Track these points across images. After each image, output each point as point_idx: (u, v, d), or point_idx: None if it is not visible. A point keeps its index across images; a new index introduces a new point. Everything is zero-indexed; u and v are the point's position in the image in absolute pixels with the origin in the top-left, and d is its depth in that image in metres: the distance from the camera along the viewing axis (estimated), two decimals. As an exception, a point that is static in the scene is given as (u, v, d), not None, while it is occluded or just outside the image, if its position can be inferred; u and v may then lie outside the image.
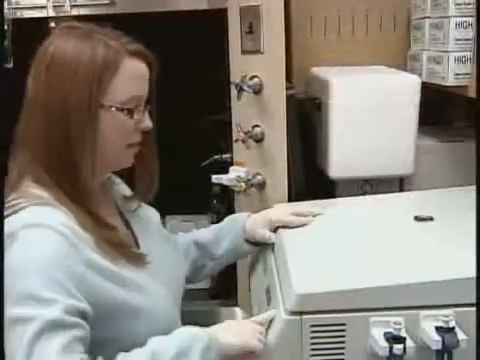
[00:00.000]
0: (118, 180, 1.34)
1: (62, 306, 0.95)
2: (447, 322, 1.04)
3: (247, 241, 1.42)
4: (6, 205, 1.04)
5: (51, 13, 1.77)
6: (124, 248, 1.12)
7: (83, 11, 1.79)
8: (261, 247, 1.44)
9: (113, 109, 1.08)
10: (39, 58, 1.10)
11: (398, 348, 1.02)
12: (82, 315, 0.98)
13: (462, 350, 1.03)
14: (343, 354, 1.09)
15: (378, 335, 1.05)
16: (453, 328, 1.04)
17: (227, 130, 1.76)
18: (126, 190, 1.34)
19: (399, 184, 1.89)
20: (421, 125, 1.80)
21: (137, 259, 1.14)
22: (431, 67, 1.76)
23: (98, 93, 1.06)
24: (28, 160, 1.09)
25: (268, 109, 1.65)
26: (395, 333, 1.03)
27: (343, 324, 1.08)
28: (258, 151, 1.68)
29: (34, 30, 1.74)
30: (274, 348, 1.10)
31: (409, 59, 1.96)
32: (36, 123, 1.08)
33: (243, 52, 1.66)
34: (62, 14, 1.77)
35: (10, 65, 1.77)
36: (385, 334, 1.04)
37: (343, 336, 1.08)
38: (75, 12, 1.79)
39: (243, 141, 1.65)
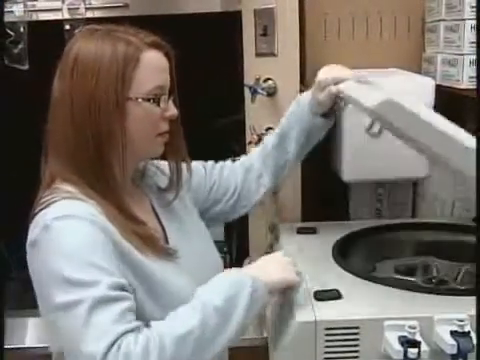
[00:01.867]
0: (152, 172, 1.33)
1: (105, 284, 1.00)
2: (462, 326, 1.03)
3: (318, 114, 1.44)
4: (40, 201, 1.10)
5: (66, 16, 1.78)
6: (152, 241, 1.15)
7: (98, 14, 1.80)
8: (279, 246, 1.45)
9: (139, 100, 1.12)
10: (63, 61, 1.14)
11: (413, 352, 1.01)
12: (125, 289, 1.03)
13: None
14: (357, 358, 1.09)
15: (392, 339, 1.05)
16: (468, 332, 1.04)
17: (241, 132, 1.76)
18: (163, 182, 1.32)
19: (413, 187, 1.88)
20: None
21: (165, 253, 1.16)
22: (445, 70, 1.75)
23: (123, 87, 1.10)
24: (57, 161, 1.14)
25: (282, 112, 1.64)
26: (410, 337, 1.03)
27: (357, 327, 1.08)
28: (272, 154, 1.68)
29: (49, 32, 1.76)
30: (288, 351, 1.10)
31: (423, 62, 1.95)
32: (64, 124, 1.12)
33: (257, 55, 1.66)
34: (77, 16, 1.78)
35: (26, 67, 1.78)
36: (399, 338, 1.04)
37: (357, 339, 1.08)
38: (90, 15, 1.79)
39: (256, 144, 1.65)
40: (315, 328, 1.08)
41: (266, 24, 1.62)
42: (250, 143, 1.66)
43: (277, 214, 1.72)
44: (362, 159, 1.76)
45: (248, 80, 1.64)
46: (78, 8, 1.78)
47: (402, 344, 1.03)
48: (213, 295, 1.04)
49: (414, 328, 1.03)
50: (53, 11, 1.79)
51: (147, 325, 1.01)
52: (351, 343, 1.08)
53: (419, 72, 1.92)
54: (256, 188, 1.43)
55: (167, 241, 1.23)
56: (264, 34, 1.64)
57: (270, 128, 1.68)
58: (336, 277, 1.24)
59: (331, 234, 1.47)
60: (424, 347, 1.03)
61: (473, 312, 1.06)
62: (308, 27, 1.94)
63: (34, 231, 1.07)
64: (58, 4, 1.78)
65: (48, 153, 1.15)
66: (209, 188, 1.41)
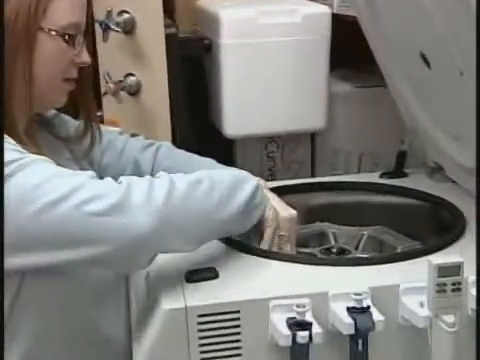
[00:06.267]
0: (57, 123, 1.39)
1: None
2: (360, 301, 1.07)
3: None
4: None
5: None
6: None
7: None
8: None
9: (53, 33, 1.20)
10: None
11: (302, 336, 1.04)
12: None
13: (378, 333, 1.07)
14: (240, 348, 1.11)
15: (279, 322, 1.07)
16: (368, 308, 1.07)
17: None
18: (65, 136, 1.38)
19: (311, 141, 1.94)
20: (334, 68, 1.85)
21: None
22: (342, -3, 1.80)
23: (36, 14, 1.18)
24: None
25: (143, 53, 1.65)
26: (299, 318, 1.06)
27: (237, 311, 1.10)
28: (133, 106, 1.69)
29: None
30: (154, 345, 1.11)
31: (318, -14, 1.99)
32: None
33: (108, -18, 1.65)
34: None
35: None
36: (287, 320, 1.07)
37: (238, 326, 1.10)
38: None
39: (114, 94, 1.65)
40: (186, 316, 1.09)
41: None
42: (105, 94, 1.66)
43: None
44: (248, 110, 1.80)
45: (98, 15, 1.63)
46: None
47: (290, 327, 1.06)
48: (221, 173, 1.23)
49: (303, 307, 1.06)
50: None
51: None
52: (230, 331, 1.10)
53: (316, 0, 1.97)
54: None
55: None
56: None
57: (130, 74, 1.68)
58: (214, 252, 1.26)
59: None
60: (316, 329, 1.06)
61: (374, 284, 1.13)
62: None
63: None
64: None
65: None
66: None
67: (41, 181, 1.06)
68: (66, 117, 1.41)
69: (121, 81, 1.67)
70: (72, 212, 1.05)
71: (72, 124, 1.39)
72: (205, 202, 1.14)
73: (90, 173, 1.12)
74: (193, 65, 1.85)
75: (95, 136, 1.37)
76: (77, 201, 1.05)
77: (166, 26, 1.67)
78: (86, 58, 1.28)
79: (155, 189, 1.09)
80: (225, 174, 1.22)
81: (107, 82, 1.65)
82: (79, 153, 1.38)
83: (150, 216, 1.06)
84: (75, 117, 1.39)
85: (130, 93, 1.69)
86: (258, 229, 1.28)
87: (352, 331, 1.06)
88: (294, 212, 1.31)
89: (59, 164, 1.26)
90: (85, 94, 1.34)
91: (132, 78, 1.68)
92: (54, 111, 1.37)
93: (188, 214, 1.12)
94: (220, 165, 1.47)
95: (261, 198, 1.24)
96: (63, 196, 1.05)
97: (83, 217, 1.05)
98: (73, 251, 1.07)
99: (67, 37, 1.22)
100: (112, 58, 1.67)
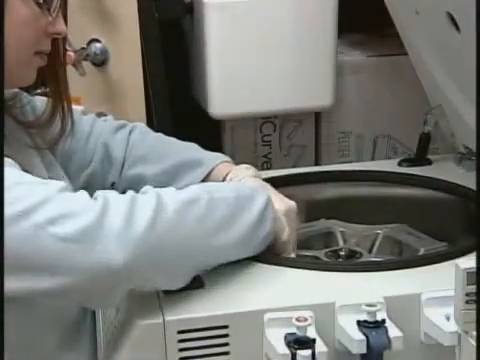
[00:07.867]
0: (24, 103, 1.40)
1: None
2: (373, 314, 1.08)
3: None
4: None
5: None
6: None
7: None
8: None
9: None
10: None
11: (304, 355, 1.04)
12: None
13: (395, 353, 1.08)
14: (228, 369, 1.12)
15: (276, 338, 1.08)
16: (383, 322, 1.08)
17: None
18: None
19: (315, 122, 1.94)
20: (343, 33, 1.85)
21: None
22: None
23: None
24: None
25: (111, 14, 1.65)
26: (299, 334, 1.06)
27: (225, 326, 1.11)
28: (99, 79, 1.69)
29: None
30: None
31: None
32: None
33: None
34: None
35: None
36: (286, 336, 1.08)
37: (226, 344, 1.10)
38: None
39: (75, 65, 1.65)
40: (164, 332, 1.09)
41: None
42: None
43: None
44: (238, 84, 1.80)
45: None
46: None
47: (289, 345, 1.06)
48: (224, 187, 1.27)
49: (305, 321, 1.06)
50: None
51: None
52: (217, 350, 1.10)
53: None
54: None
55: None
56: None
57: (95, 40, 1.68)
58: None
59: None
60: (321, 347, 1.06)
61: (391, 293, 1.13)
62: None
63: None
64: None
65: None
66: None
67: None
68: (28, 96, 1.41)
69: (84, 49, 1.67)
70: (33, 232, 1.04)
71: (35, 105, 1.39)
72: (199, 229, 1.14)
73: (61, 184, 1.11)
74: (171, 29, 1.85)
75: (66, 122, 1.37)
76: (41, 219, 1.04)
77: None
78: (61, 27, 1.27)
79: (137, 210, 1.08)
80: (227, 189, 1.24)
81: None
82: (42, 140, 1.37)
83: (126, 246, 1.05)
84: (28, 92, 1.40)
85: (95, 63, 1.69)
86: (272, 252, 1.28)
87: (364, 350, 1.07)
88: (293, 203, 1.31)
89: (18, 154, 1.28)
90: (56, 70, 1.34)
91: (97, 45, 1.68)
92: (15, 89, 1.37)
93: (176, 245, 1.11)
94: (203, 151, 1.47)
95: (271, 219, 1.25)
96: (24, 211, 1.04)
97: (45, 240, 1.04)
98: (28, 280, 1.06)
99: (41, 1, 1.22)
100: (72, 20, 1.66)
